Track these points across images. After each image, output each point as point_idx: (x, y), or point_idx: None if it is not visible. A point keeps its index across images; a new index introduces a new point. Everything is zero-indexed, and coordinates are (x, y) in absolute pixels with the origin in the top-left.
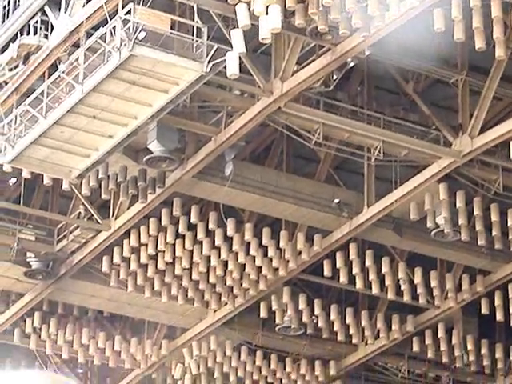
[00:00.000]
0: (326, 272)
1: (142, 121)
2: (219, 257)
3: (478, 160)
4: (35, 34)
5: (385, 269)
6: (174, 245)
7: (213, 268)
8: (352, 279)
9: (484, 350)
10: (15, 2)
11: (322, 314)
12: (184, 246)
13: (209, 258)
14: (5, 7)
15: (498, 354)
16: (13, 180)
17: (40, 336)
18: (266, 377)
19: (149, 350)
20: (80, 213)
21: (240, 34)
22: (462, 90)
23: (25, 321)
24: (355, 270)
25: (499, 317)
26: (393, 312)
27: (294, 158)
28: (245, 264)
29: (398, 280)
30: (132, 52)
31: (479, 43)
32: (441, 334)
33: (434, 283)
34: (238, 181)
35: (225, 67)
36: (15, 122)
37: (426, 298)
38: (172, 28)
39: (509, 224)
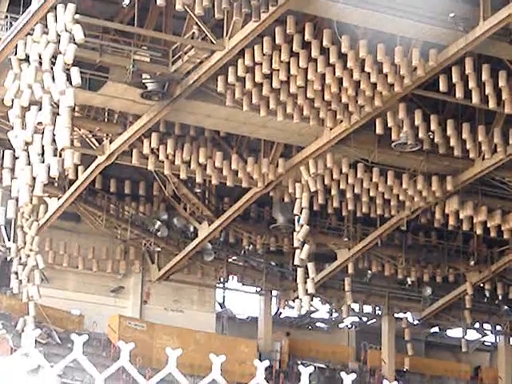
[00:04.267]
0: (442, 87)
1: None
2: (334, 74)
3: None
4: None
5: (502, 83)
6: (288, 63)
7: (328, 85)
8: (468, 94)
9: None
10: None
11: (439, 130)
12: (298, 64)
13: (323, 76)
14: None
15: None
16: (126, 1)
17: (158, 157)
18: (383, 193)
19: (265, 169)
20: (194, 33)
21: None
22: None
23: (142, 142)
24: (471, 84)
25: None
26: (510, 126)
27: None
28: (360, 81)
29: None
30: None
31: None
32: None
33: None
34: None
35: None
36: None
37: None
38: None
39: None
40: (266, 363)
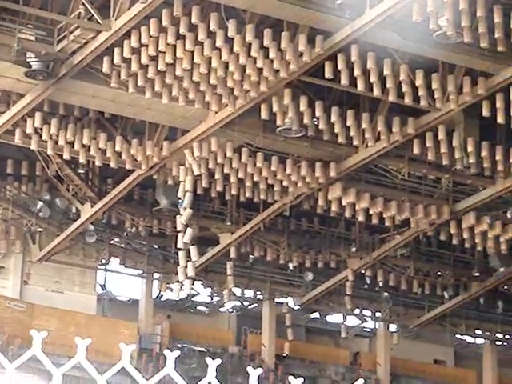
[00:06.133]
0: (328, 74)
1: None
2: (220, 58)
3: None
4: None
5: (386, 71)
6: (174, 46)
7: (214, 69)
8: (353, 81)
9: (484, 153)
10: None
11: (323, 116)
12: (185, 47)
13: (210, 60)
14: None
15: (498, 157)
16: None
17: (41, 136)
18: (267, 178)
19: (150, 151)
20: (80, 13)
21: None
22: None
23: (26, 121)
24: (357, 71)
25: (500, 119)
26: (394, 114)
27: None
28: (246, 65)
29: (400, 82)
30: None
31: None
32: (441, 136)
33: (435, 85)
34: None
35: None
36: None
37: (427, 101)
38: None
39: None
40: (132, 346)
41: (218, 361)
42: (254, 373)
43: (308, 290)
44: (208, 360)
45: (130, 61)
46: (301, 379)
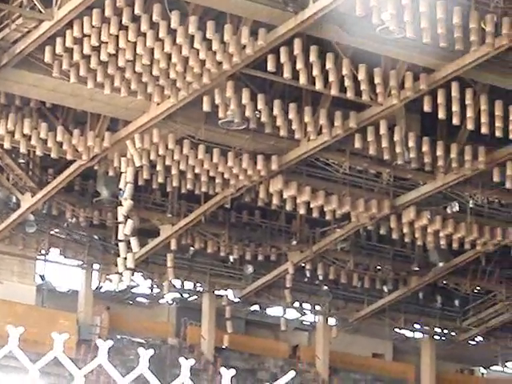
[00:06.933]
0: (270, 67)
1: None
2: (163, 49)
3: None
4: None
5: (329, 65)
6: (117, 36)
7: (156, 61)
8: (296, 74)
9: (425, 148)
10: None
11: (265, 109)
12: (127, 38)
13: (152, 51)
14: None
15: (439, 152)
16: None
17: None
18: (208, 171)
19: (91, 142)
20: (22, 2)
21: None
22: None
23: None
24: (299, 65)
25: (441, 115)
26: (336, 108)
27: None
28: (188, 57)
29: (342, 76)
30: None
31: None
32: (383, 130)
33: (377, 80)
34: None
35: None
36: None
37: (369, 95)
38: None
39: (454, 21)
40: (65, 336)
41: (151, 351)
42: (186, 364)
43: (248, 282)
44: (140, 350)
45: (72, 51)
46: (233, 370)
